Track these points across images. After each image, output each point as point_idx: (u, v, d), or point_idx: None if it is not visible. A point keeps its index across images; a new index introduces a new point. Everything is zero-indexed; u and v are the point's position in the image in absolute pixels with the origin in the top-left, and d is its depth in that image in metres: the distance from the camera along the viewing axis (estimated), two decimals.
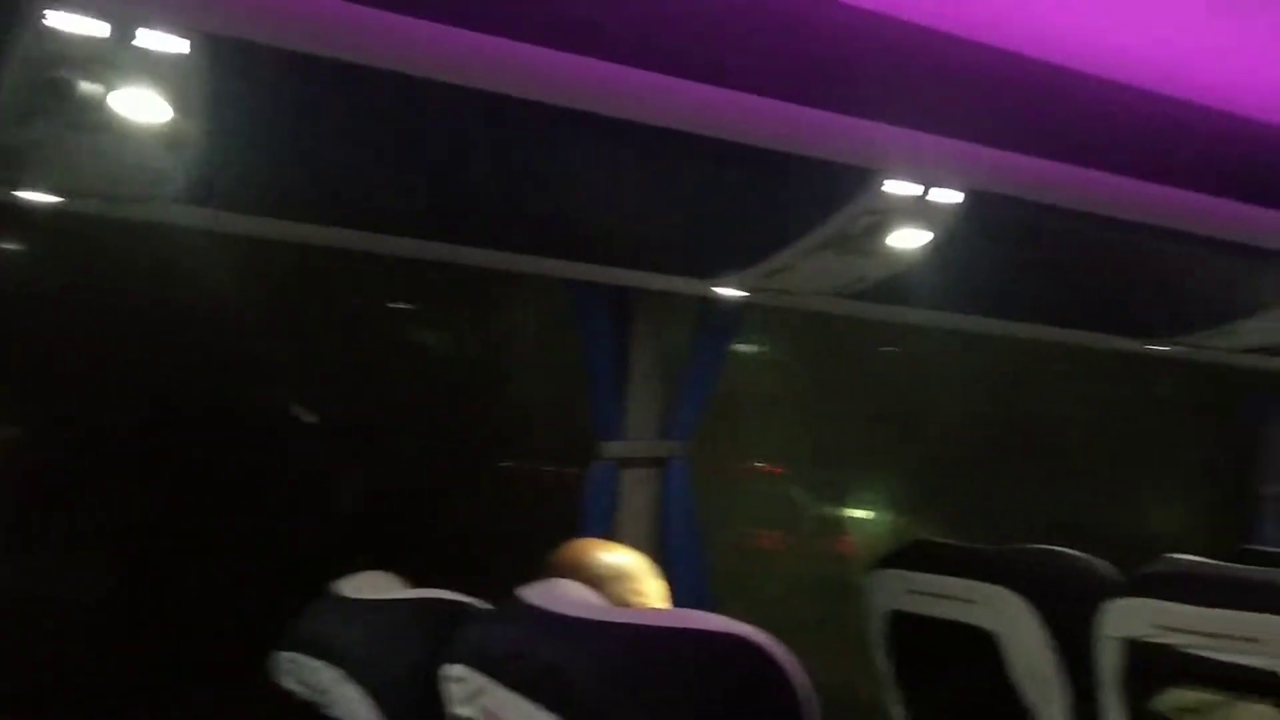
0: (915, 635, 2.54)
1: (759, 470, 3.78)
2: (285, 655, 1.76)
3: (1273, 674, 1.80)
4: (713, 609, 1.30)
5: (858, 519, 3.98)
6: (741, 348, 3.62)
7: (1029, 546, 2.38)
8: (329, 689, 1.62)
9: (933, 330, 3.01)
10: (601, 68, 1.72)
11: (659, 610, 1.65)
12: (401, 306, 3.18)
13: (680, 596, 2.18)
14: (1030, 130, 2.09)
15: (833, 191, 1.84)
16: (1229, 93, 2.75)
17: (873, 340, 3.79)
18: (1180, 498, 4.24)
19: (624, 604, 1.83)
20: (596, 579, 1.81)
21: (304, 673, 1.70)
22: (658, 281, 2.25)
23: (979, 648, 2.34)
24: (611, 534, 2.35)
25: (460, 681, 1.39)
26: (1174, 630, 1.95)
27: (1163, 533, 4.07)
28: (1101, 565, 2.26)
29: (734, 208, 1.92)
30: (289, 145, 1.65)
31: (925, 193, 1.82)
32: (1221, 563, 2.08)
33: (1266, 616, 1.79)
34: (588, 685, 1.19)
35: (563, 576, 1.74)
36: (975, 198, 1.85)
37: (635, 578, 1.84)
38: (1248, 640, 1.82)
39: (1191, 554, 3.29)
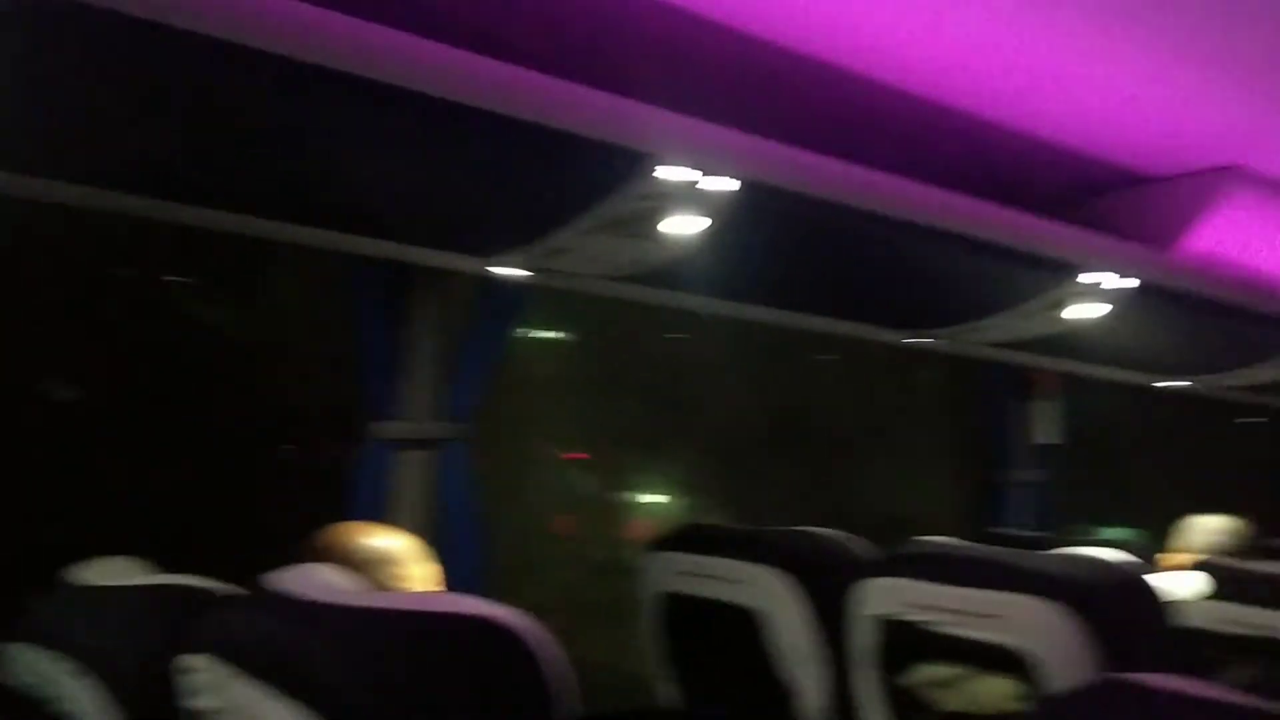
0: (686, 615, 2.59)
1: (554, 454, 3.78)
2: (14, 649, 1.62)
3: (1011, 649, 1.90)
4: (490, 593, 1.27)
5: (649, 503, 4.04)
6: (540, 332, 3.60)
7: (794, 528, 2.46)
8: (60, 683, 1.50)
9: (718, 317, 3.07)
10: (379, 33, 1.66)
11: (411, 595, 1.61)
12: (175, 279, 2.99)
13: (456, 581, 2.14)
14: (804, 125, 2.16)
15: (609, 174, 1.84)
16: (991, 101, 2.93)
17: (661, 326, 3.85)
18: (937, 483, 4.49)
19: (387, 589, 1.78)
20: (359, 564, 1.75)
21: (35, 667, 1.57)
22: (435, 258, 2.20)
23: (745, 626, 2.40)
24: (385, 518, 2.29)
25: (200, 672, 1.31)
26: (923, 608, 2.05)
27: (922, 515, 4.30)
28: (860, 546, 2.36)
29: (512, 185, 1.90)
30: (33, 95, 1.51)
31: (700, 180, 1.84)
32: (968, 544, 2.21)
33: (1006, 594, 1.89)
34: (333, 673, 1.15)
35: (324, 561, 1.68)
36: (749, 187, 1.89)
37: (400, 562, 1.79)
38: (989, 617, 1.93)
39: (946, 536, 3.50)
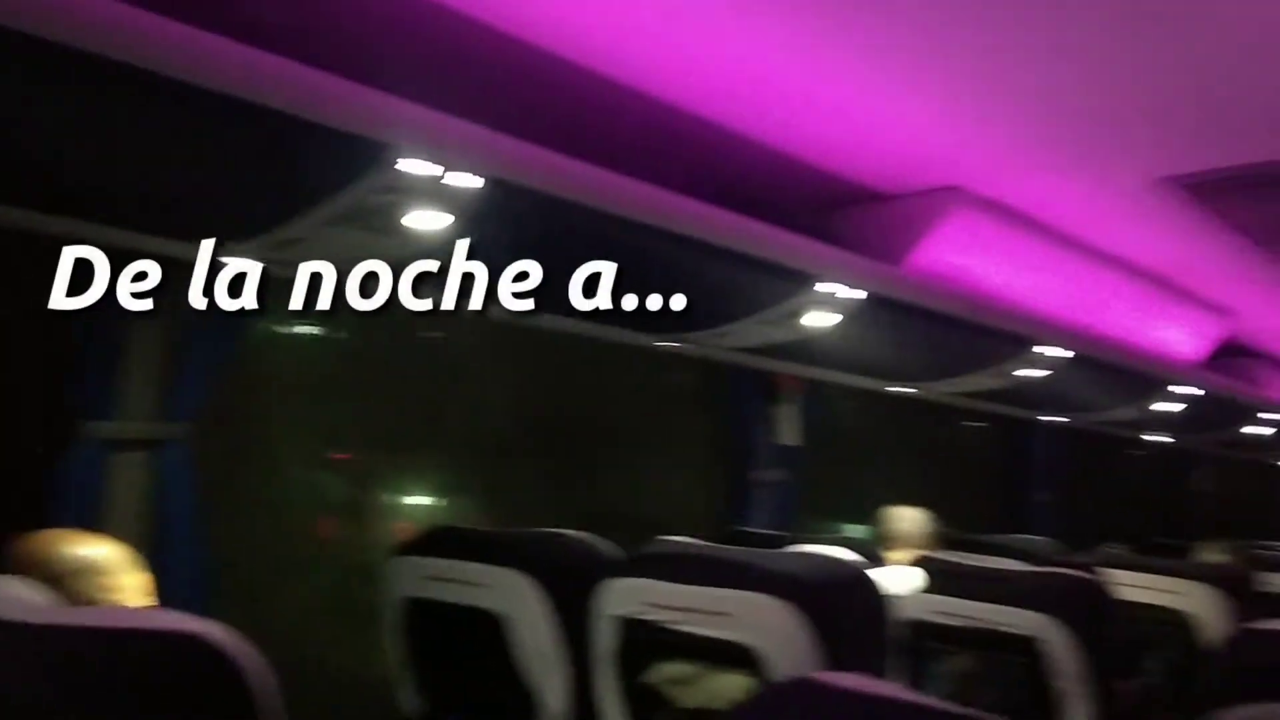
0: (431, 621, 2.53)
1: (315, 455, 3.62)
2: None
3: (742, 646, 1.96)
4: (207, 600, 1.18)
5: (412, 505, 3.94)
6: (296, 328, 3.44)
7: (539, 530, 2.45)
8: None
9: (475, 317, 3.02)
10: (100, 4, 1.53)
11: (108, 610, 1.49)
12: None
13: (173, 591, 2.00)
14: (555, 127, 2.15)
15: (347, 164, 1.77)
16: (739, 114, 3.02)
17: (418, 324, 3.76)
18: (690, 483, 4.60)
19: (90, 601, 1.64)
20: (58, 575, 1.61)
21: None
22: (157, 246, 2.04)
23: (490, 631, 2.37)
24: (96, 525, 2.11)
25: None
26: (662, 607, 2.08)
27: (676, 515, 4.39)
28: (604, 547, 2.38)
29: (241, 171, 1.79)
30: None
31: (443, 175, 1.80)
32: (706, 544, 2.26)
33: (736, 592, 1.95)
34: (18, 697, 1.04)
35: (21, 573, 1.54)
36: (494, 185, 1.86)
37: (106, 572, 1.66)
38: (722, 615, 1.98)
39: (699, 534, 3.58)
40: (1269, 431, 6.14)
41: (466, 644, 2.46)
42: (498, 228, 1.98)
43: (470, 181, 1.85)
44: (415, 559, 2.55)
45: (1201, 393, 5.05)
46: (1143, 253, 4.17)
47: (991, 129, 3.17)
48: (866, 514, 5.27)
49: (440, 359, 3.88)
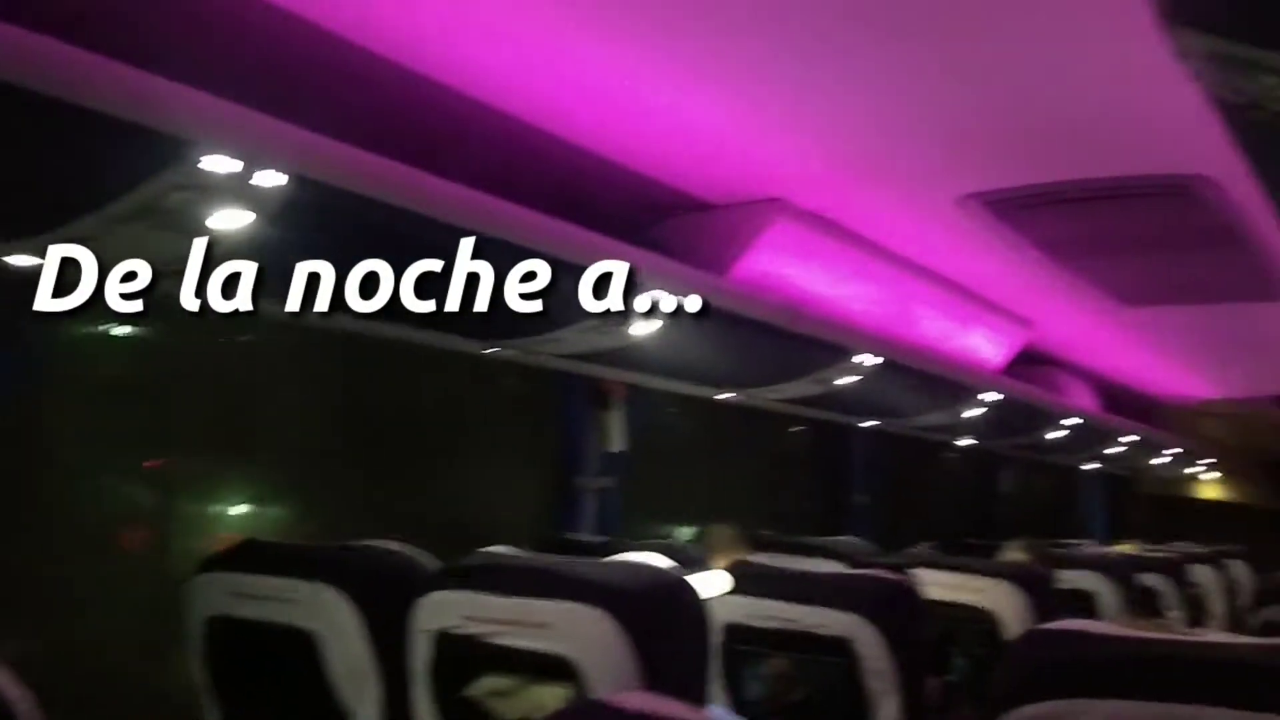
0: (238, 641, 2.41)
1: (127, 462, 3.41)
2: None
3: (561, 657, 1.94)
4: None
5: (230, 515, 3.76)
6: (105, 329, 3.25)
7: (353, 543, 2.37)
8: None
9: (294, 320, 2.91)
10: None
11: None
12: None
13: None
14: (370, 127, 2.08)
15: (142, 158, 1.66)
16: (564, 120, 3.01)
17: (232, 328, 3.60)
18: (519, 490, 4.56)
19: None
20: None
21: None
22: None
23: (300, 650, 2.28)
24: None
25: None
26: (481, 620, 2.04)
27: (503, 523, 4.35)
28: (421, 559, 2.32)
29: (24, 165, 1.66)
30: None
31: (246, 172, 1.71)
32: (525, 553, 2.23)
33: (556, 603, 1.93)
34: None
35: None
36: (300, 183, 1.78)
37: None
38: (541, 626, 1.96)
39: (527, 542, 3.54)
40: (1066, 435, 6.52)
41: (275, 664, 2.36)
42: (304, 228, 1.90)
43: (277, 179, 1.76)
44: (220, 575, 2.43)
45: (1004, 398, 5.33)
46: (950, 265, 4.38)
47: (813, 144, 3.26)
48: (694, 518, 5.37)
49: (258, 363, 3.73)
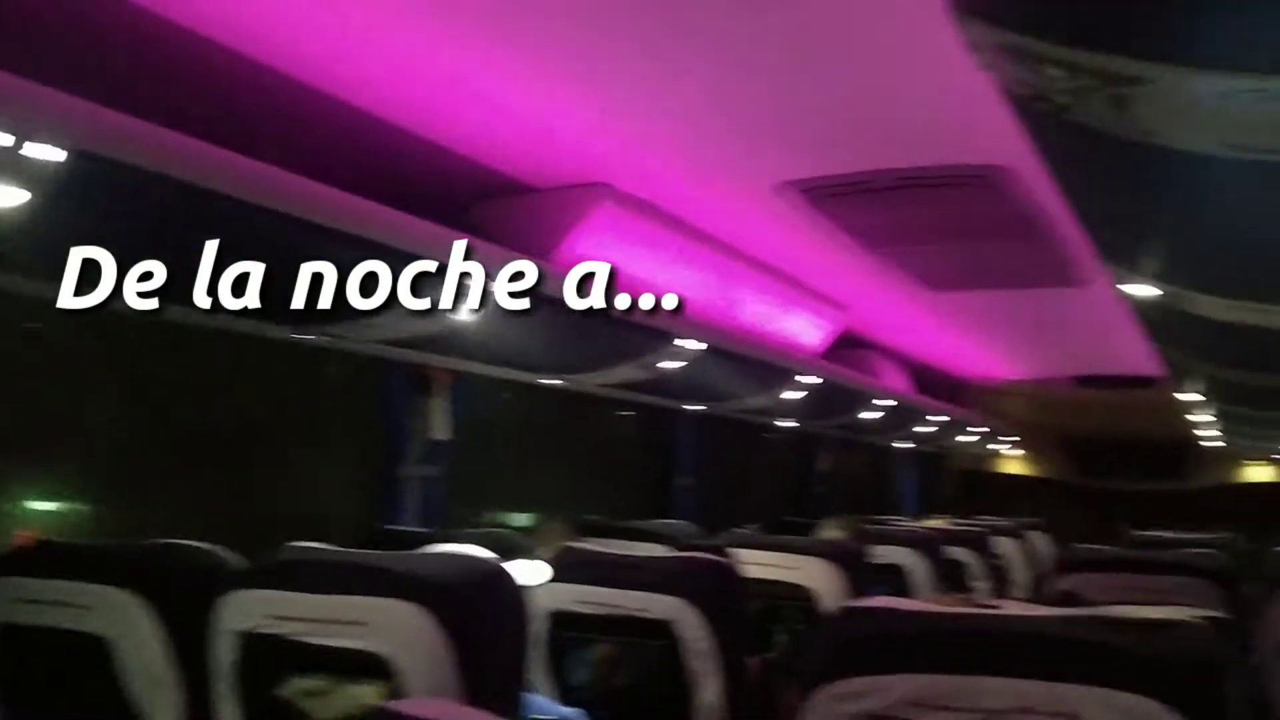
0: (27, 650, 2.24)
1: None
2: None
3: (376, 655, 1.87)
4: None
5: (35, 512, 3.50)
6: None
7: (152, 542, 2.24)
8: None
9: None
10: None
11: None
12: None
13: None
14: (175, 104, 1.96)
15: None
16: (380, 99, 2.91)
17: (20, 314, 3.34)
18: (341, 481, 4.42)
19: None
20: None
21: None
22: None
23: (95, 658, 2.13)
24: None
25: None
26: (289, 619, 1.95)
27: (324, 515, 4.21)
28: (224, 557, 2.21)
29: None
30: None
31: (18, 145, 1.57)
32: (337, 549, 2.14)
33: (368, 599, 1.86)
34: None
35: None
36: (82, 158, 1.65)
37: None
38: (353, 624, 1.89)
39: (348, 535, 3.43)
40: (881, 415, 6.78)
41: (68, 675, 2.21)
42: (85, 204, 1.77)
43: (55, 155, 1.63)
44: (7, 579, 2.26)
45: (823, 381, 5.49)
46: (771, 252, 4.47)
47: (638, 130, 3.27)
48: (521, 505, 5.33)
49: (56, 352, 3.48)
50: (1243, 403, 4.89)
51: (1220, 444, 8.05)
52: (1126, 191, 1.81)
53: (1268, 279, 2.25)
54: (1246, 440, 7.21)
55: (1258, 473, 9.58)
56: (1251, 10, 1.04)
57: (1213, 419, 6.23)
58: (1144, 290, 2.56)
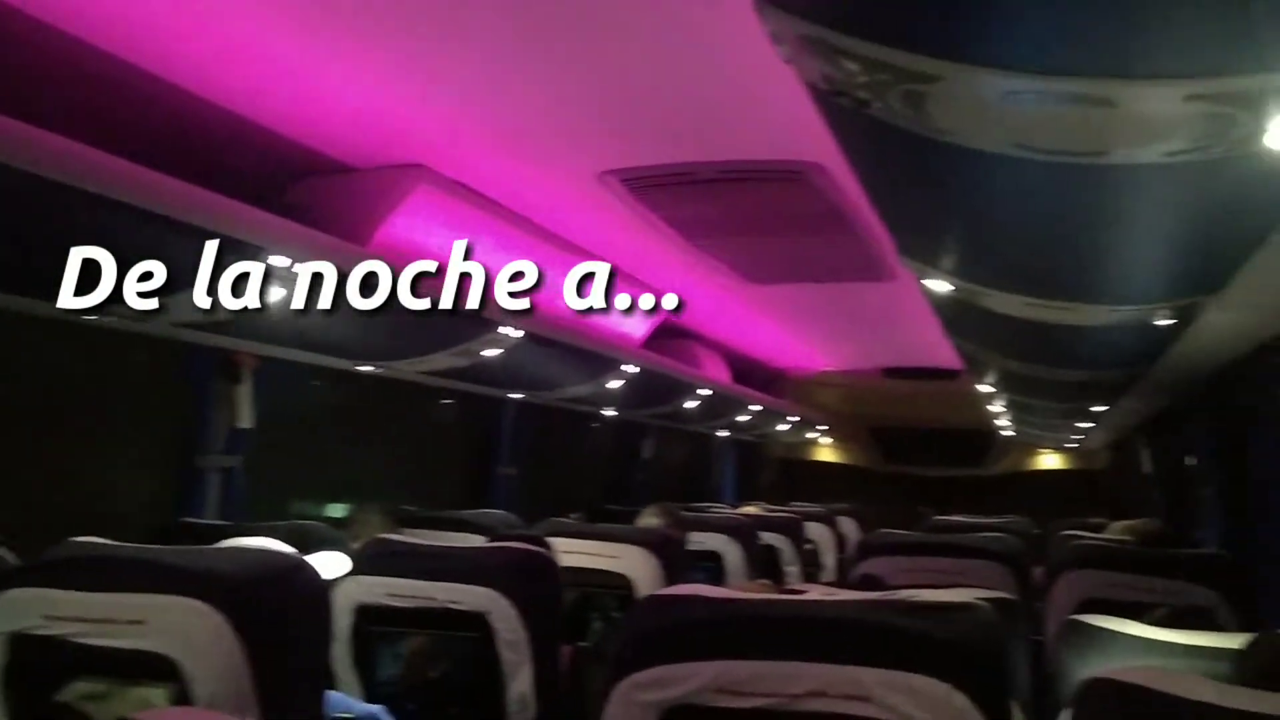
0: None
1: None
2: None
3: (161, 655, 1.77)
4: None
5: None
6: None
7: None
8: None
9: None
10: None
11: None
12: None
13: None
14: None
15: None
16: (184, 70, 2.76)
17: None
18: (138, 471, 4.18)
19: None
20: None
21: None
22: None
23: None
24: None
25: None
26: (65, 620, 1.83)
27: (118, 508, 3.97)
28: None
29: None
30: None
31: None
32: (120, 544, 2.01)
33: (152, 597, 1.75)
34: None
35: None
36: None
37: None
38: (136, 623, 1.78)
39: (143, 528, 3.23)
40: (701, 404, 6.90)
41: None
42: None
43: None
44: None
45: (644, 370, 5.54)
46: (593, 240, 4.47)
47: (456, 112, 3.19)
48: (334, 495, 5.16)
49: None
50: (1026, 394, 5.19)
51: (1013, 433, 8.54)
52: (923, 189, 1.87)
53: (1051, 277, 2.37)
54: (1034, 430, 7.66)
55: (1049, 460, 10.23)
56: (1034, 10, 1.08)
57: (1004, 410, 6.59)
58: (941, 285, 2.66)
